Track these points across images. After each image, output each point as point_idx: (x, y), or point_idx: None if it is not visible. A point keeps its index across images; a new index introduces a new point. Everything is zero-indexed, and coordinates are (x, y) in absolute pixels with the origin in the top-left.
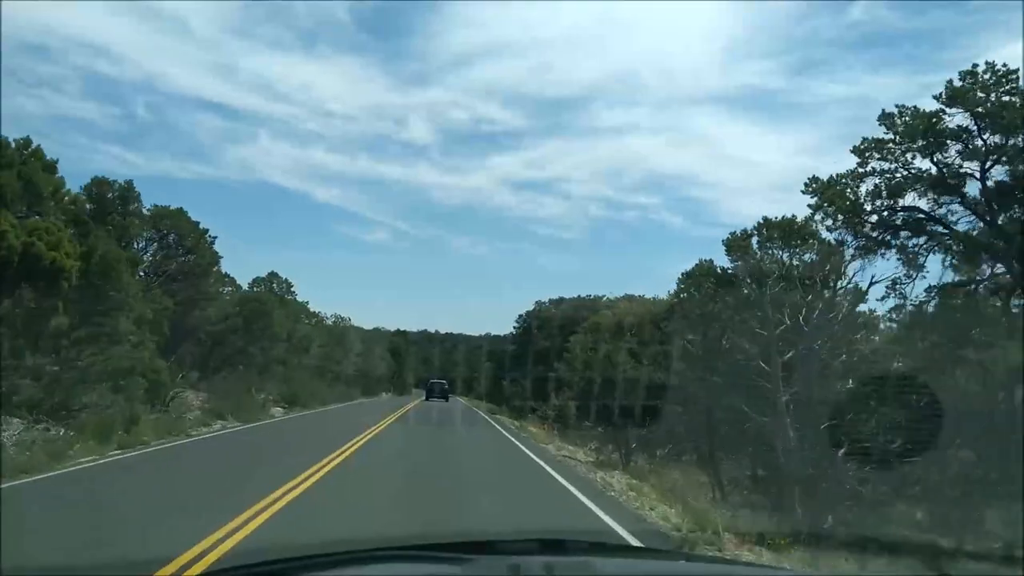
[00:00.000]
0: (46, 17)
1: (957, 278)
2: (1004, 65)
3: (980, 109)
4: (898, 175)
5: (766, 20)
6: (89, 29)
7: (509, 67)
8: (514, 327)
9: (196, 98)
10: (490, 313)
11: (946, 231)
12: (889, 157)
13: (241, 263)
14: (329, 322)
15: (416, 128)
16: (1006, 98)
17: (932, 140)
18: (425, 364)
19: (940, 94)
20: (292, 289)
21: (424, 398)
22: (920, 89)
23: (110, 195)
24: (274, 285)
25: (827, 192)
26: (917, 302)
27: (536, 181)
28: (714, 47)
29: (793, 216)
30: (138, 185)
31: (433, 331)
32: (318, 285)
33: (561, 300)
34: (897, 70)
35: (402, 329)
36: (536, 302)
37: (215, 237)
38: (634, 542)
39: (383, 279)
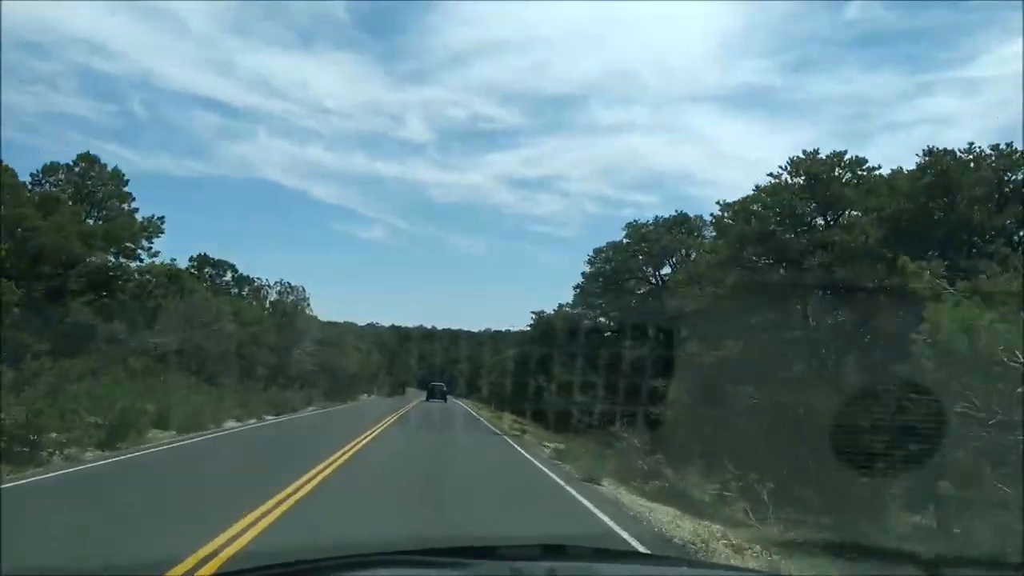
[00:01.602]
0: (42, 14)
1: None
2: None
3: None
4: None
5: (763, 18)
6: (85, 26)
7: (506, 65)
8: (579, 284)
9: (193, 95)
10: (490, 310)
11: None
12: None
13: (239, 261)
14: (272, 295)
15: (413, 126)
16: None
17: None
18: (422, 360)
19: None
20: (128, 193)
21: (425, 399)
22: (917, 88)
23: None
24: (90, 181)
25: None
26: None
27: (534, 179)
28: (711, 45)
29: None
30: (135, 182)
31: (430, 326)
32: (316, 282)
33: (664, 220)
34: (894, 69)
35: (397, 324)
36: (628, 224)
37: None
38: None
39: (380, 276)
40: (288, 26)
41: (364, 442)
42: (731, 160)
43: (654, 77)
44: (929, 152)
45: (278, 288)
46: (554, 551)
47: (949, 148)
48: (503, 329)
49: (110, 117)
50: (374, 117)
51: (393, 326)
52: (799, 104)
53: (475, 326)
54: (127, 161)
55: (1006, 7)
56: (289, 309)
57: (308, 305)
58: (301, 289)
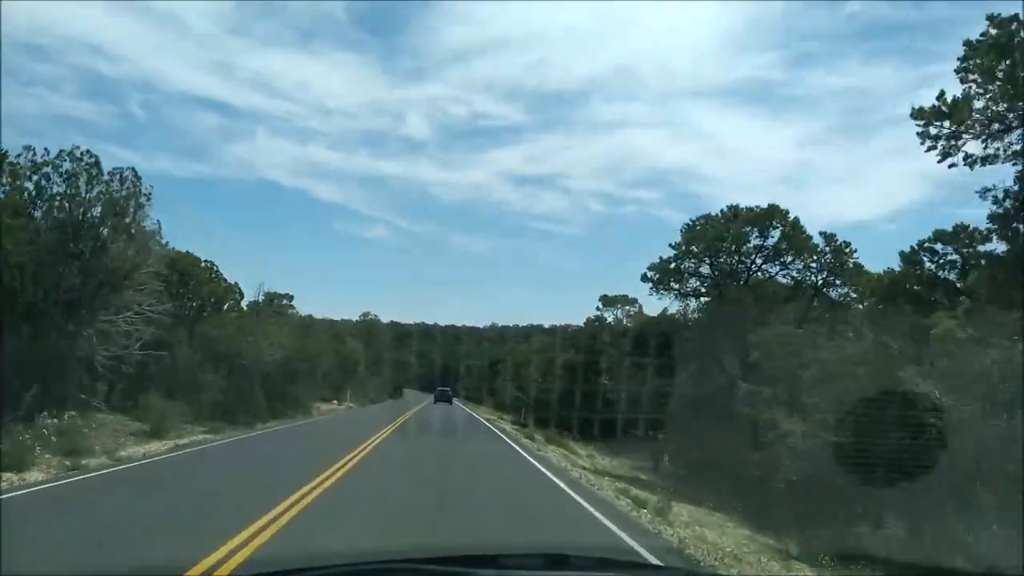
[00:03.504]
0: (43, 17)
1: None
2: None
3: None
4: None
5: (764, 13)
6: (86, 28)
7: (507, 62)
8: None
9: (193, 96)
10: (492, 308)
11: None
12: None
13: (239, 261)
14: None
15: (415, 124)
16: None
17: None
18: (422, 358)
19: None
20: None
21: (433, 401)
22: (917, 80)
23: None
24: None
25: None
26: None
27: (536, 176)
28: (712, 41)
29: None
30: None
31: (432, 323)
32: (316, 282)
33: None
34: (894, 61)
35: (397, 321)
36: None
37: None
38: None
39: (382, 275)
40: (288, 26)
41: None
42: (734, 155)
43: (655, 73)
44: None
45: (67, 157)
46: (557, 561)
47: None
48: (511, 324)
49: (111, 119)
50: (375, 116)
51: (393, 322)
52: (801, 98)
53: (478, 322)
54: (128, 163)
55: None
56: (84, 209)
57: (146, 209)
58: (130, 180)
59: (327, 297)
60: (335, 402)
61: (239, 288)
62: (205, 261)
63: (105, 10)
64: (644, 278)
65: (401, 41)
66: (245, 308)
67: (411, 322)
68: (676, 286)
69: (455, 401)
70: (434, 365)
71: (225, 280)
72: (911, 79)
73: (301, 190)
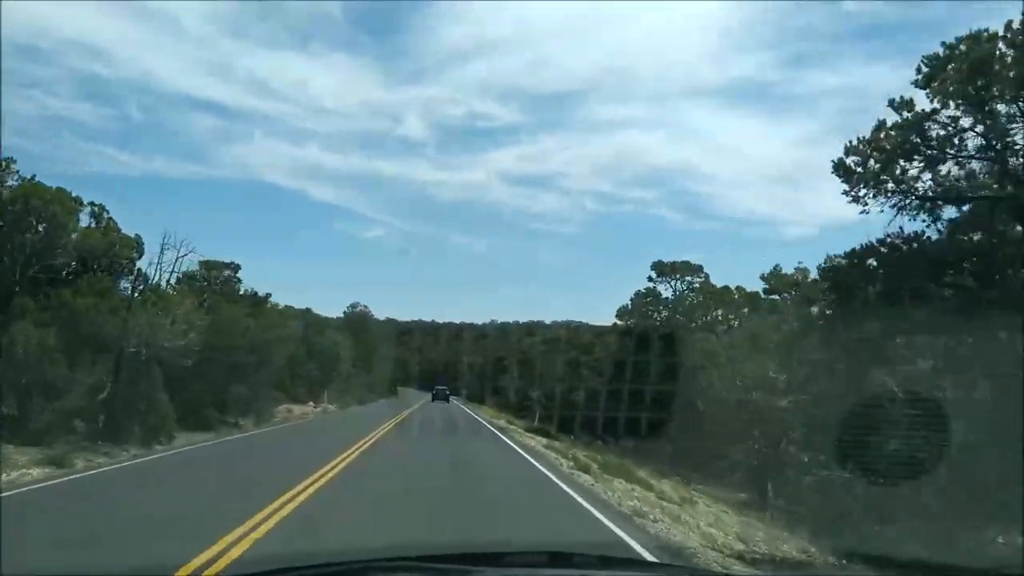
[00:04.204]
0: (39, 18)
1: None
2: None
3: None
4: None
5: (761, 12)
6: (82, 30)
7: (504, 62)
8: None
9: (190, 97)
10: (493, 306)
11: None
12: None
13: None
14: None
15: (412, 124)
16: None
17: None
18: (421, 355)
19: None
20: None
21: (431, 399)
22: (914, 79)
23: None
24: None
25: None
26: None
27: (533, 176)
28: (709, 40)
29: None
30: (132, 184)
31: (429, 320)
32: (315, 283)
33: None
34: (892, 61)
35: (397, 319)
36: None
37: None
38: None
39: (380, 276)
40: (285, 27)
41: None
42: (731, 154)
43: (652, 73)
44: None
45: None
46: (560, 559)
47: None
48: (511, 321)
49: (107, 121)
50: (373, 117)
51: (390, 319)
52: (798, 97)
53: (478, 319)
54: (124, 164)
55: None
56: None
57: None
58: None
59: (327, 297)
60: (312, 404)
61: (141, 243)
62: (92, 203)
63: (102, 12)
64: (837, 168)
65: (398, 41)
66: (144, 271)
67: (410, 319)
68: (899, 185)
69: (456, 401)
70: (434, 363)
71: (118, 230)
72: (909, 78)
73: (299, 191)
